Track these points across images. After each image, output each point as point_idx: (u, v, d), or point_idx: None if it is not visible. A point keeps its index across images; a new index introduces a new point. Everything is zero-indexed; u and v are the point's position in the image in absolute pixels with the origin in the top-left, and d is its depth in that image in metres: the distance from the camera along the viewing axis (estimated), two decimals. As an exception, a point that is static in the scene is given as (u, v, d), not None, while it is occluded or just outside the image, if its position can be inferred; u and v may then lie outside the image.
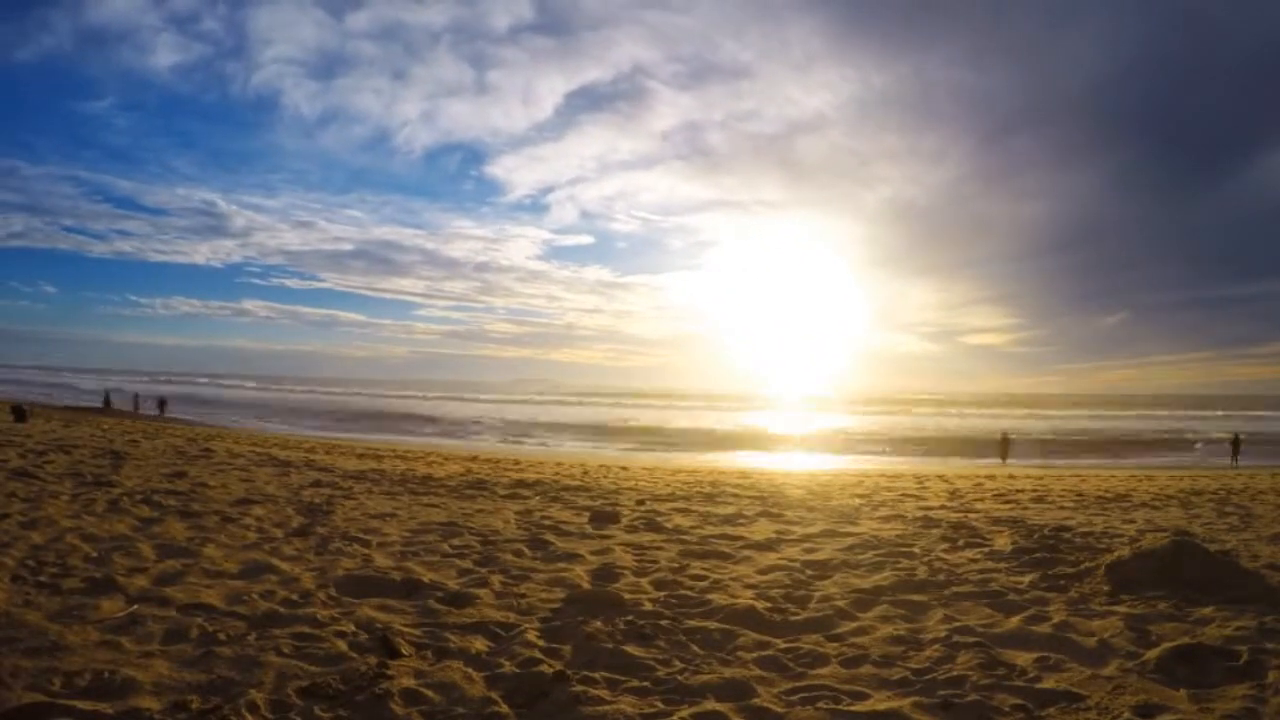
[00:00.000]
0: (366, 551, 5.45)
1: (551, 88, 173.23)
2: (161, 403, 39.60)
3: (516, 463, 16.42)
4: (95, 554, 4.81)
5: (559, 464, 16.74)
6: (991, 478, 15.92)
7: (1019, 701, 2.95)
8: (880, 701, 2.98)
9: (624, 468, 16.34)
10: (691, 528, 7.10)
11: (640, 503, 9.00)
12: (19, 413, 18.34)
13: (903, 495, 11.06)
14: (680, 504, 9.02)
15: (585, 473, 14.02)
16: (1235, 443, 26.29)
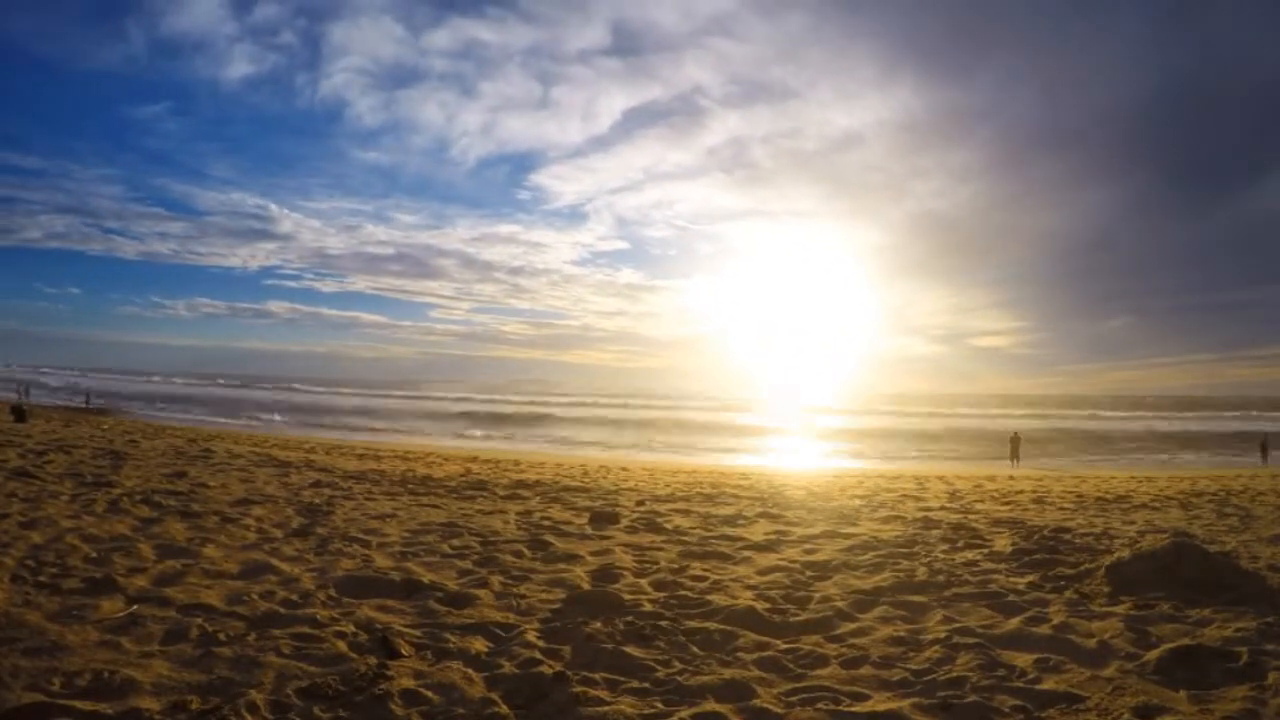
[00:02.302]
0: (366, 552, 5.44)
1: (611, 105, 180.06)
2: (88, 397, 45.58)
3: (516, 463, 16.42)
4: (95, 554, 4.81)
5: (559, 465, 16.73)
6: (991, 479, 15.92)
7: (1019, 703, 2.95)
8: (880, 703, 2.98)
9: (624, 469, 16.34)
10: (691, 528, 7.10)
11: (640, 503, 8.99)
12: (19, 413, 18.34)
13: (903, 496, 11.06)
14: (680, 505, 9.02)
15: (585, 473, 14.02)
16: (1264, 444, 26.53)
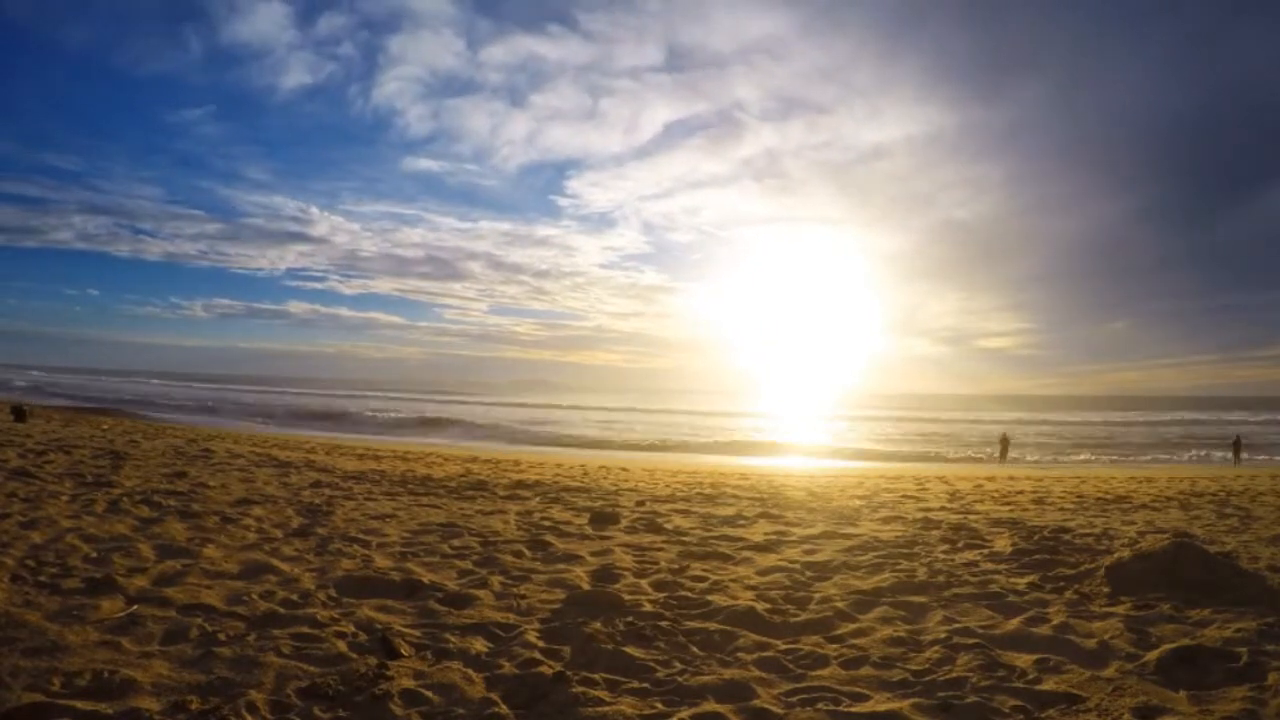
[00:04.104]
0: (366, 552, 5.44)
1: (654, 117, 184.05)
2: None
3: (516, 463, 16.42)
4: (95, 554, 4.81)
5: (559, 465, 16.73)
6: (991, 479, 15.91)
7: (1018, 703, 2.95)
8: (880, 703, 2.98)
9: (624, 469, 16.34)
10: (691, 529, 7.10)
11: (640, 504, 8.99)
12: (19, 413, 18.34)
13: (903, 497, 11.06)
14: (680, 505, 9.02)
15: (585, 474, 14.02)
16: (1237, 444, 26.50)
